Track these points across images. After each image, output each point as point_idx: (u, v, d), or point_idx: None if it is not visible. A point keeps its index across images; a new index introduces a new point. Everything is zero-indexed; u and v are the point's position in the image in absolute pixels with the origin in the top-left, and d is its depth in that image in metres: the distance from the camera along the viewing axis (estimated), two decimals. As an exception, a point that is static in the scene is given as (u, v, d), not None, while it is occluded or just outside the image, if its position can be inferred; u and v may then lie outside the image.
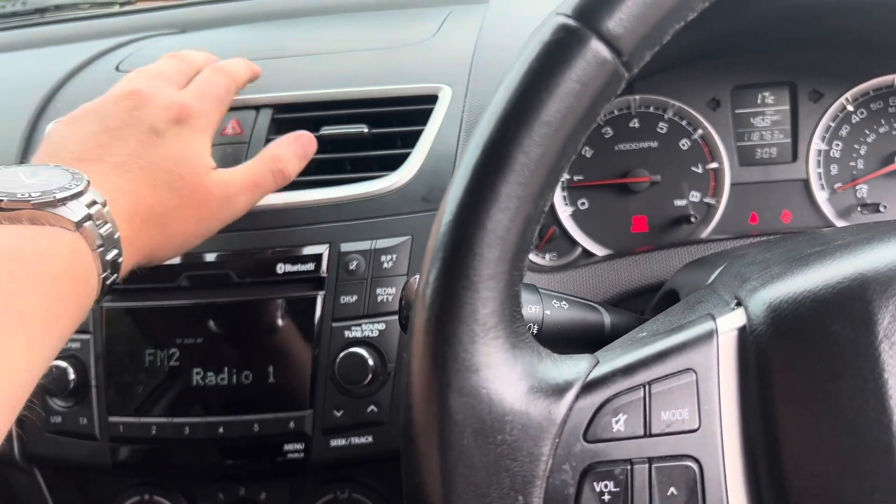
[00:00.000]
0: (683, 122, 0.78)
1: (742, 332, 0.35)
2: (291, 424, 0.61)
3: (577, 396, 0.34)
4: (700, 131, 0.77)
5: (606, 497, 0.33)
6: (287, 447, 0.61)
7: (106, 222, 0.45)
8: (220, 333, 0.62)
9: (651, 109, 0.78)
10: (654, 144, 0.78)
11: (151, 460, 0.63)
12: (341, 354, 0.60)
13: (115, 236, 0.46)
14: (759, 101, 0.78)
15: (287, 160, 0.60)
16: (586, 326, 0.50)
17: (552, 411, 0.34)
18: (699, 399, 0.34)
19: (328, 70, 0.74)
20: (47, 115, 0.75)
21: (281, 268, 0.63)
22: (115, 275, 0.47)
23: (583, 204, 0.78)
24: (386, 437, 0.60)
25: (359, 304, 0.61)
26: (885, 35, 0.72)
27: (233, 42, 0.92)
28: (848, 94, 0.77)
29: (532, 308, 0.47)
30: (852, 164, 0.77)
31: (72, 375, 0.62)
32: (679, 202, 0.78)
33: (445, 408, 0.33)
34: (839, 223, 0.77)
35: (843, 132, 0.77)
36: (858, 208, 0.77)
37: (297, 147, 0.62)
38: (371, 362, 0.59)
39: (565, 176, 0.78)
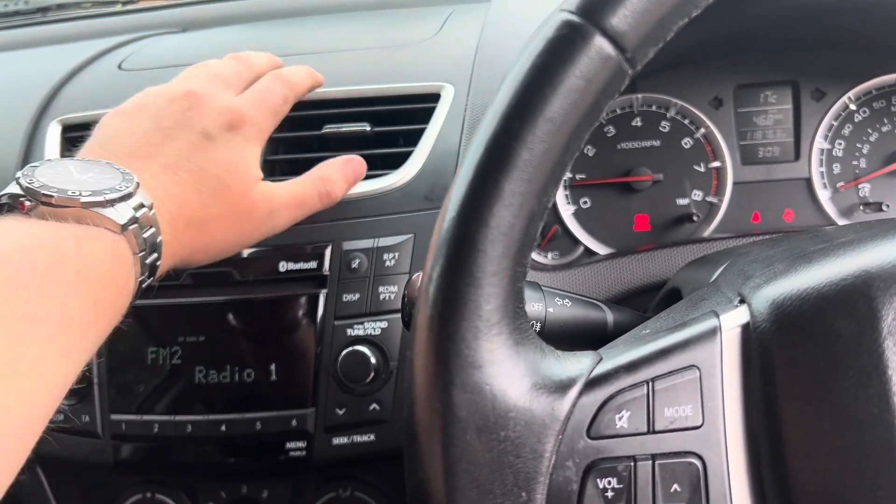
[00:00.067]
0: (686, 121, 0.78)
1: (745, 329, 0.35)
2: (293, 422, 0.61)
3: (581, 393, 0.34)
4: (702, 130, 0.77)
5: (610, 494, 0.33)
6: (289, 445, 0.61)
7: (151, 226, 0.45)
8: (223, 331, 0.62)
9: (653, 108, 0.78)
10: (657, 143, 0.78)
11: (153, 458, 0.63)
12: (343, 352, 0.60)
13: (158, 240, 0.46)
14: (761, 100, 0.78)
15: (336, 182, 0.59)
16: (589, 324, 0.50)
17: (555, 408, 0.34)
18: (702, 396, 0.34)
19: (330, 69, 0.74)
20: (49, 113, 0.75)
21: (283, 266, 0.63)
22: (151, 277, 0.47)
23: (585, 203, 0.78)
24: (388, 435, 0.60)
25: (361, 303, 0.61)
26: (887, 34, 0.72)
27: (235, 41, 0.92)
28: (850, 93, 0.76)
29: (535, 305, 0.47)
30: (855, 163, 0.77)
31: (74, 373, 0.62)
32: (681, 201, 0.78)
33: (449, 404, 0.33)
34: (842, 222, 0.77)
35: (846, 131, 0.77)
36: (861, 207, 0.77)
37: (347, 170, 0.61)
38: (373, 360, 0.59)
39: (567, 175, 0.78)
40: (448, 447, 0.33)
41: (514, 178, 0.33)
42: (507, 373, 0.33)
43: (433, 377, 0.33)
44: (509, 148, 0.33)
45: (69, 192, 0.41)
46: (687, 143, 0.78)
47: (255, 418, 0.61)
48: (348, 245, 0.63)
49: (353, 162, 0.62)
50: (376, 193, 0.64)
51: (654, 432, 0.34)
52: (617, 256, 0.70)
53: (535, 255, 0.76)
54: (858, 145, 0.77)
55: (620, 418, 0.34)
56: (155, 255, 0.46)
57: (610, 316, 0.51)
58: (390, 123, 0.68)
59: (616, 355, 0.36)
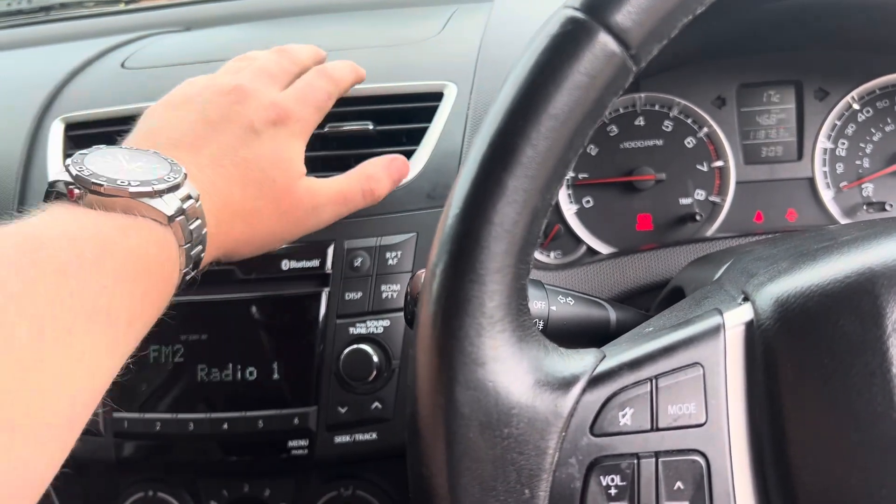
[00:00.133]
0: (689, 121, 0.78)
1: (749, 326, 0.35)
2: (296, 421, 0.61)
3: (584, 390, 0.34)
4: (705, 129, 0.77)
5: (613, 491, 0.33)
6: (291, 444, 0.61)
7: (197, 218, 0.45)
8: (225, 330, 0.62)
9: (656, 107, 0.78)
10: (660, 142, 0.78)
11: (156, 456, 0.63)
12: (346, 351, 0.60)
13: (203, 232, 0.46)
14: (764, 100, 0.78)
15: (380, 180, 0.60)
16: (592, 322, 0.49)
17: (559, 405, 0.34)
18: (706, 393, 0.34)
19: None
20: (52, 112, 0.75)
21: (286, 264, 0.63)
22: (196, 270, 0.47)
23: (588, 202, 0.78)
24: (390, 433, 0.60)
25: (363, 301, 0.61)
26: (890, 34, 0.72)
27: (238, 40, 0.92)
28: (854, 93, 0.76)
29: (538, 304, 0.47)
30: (858, 162, 0.77)
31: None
32: (684, 200, 0.78)
33: (452, 401, 0.33)
34: (845, 222, 0.77)
35: (849, 131, 0.77)
36: (864, 207, 0.77)
37: (392, 169, 0.61)
38: (375, 359, 0.59)
39: (570, 174, 0.78)
40: (451, 444, 0.33)
41: (517, 175, 0.33)
42: (511, 370, 0.33)
43: (436, 374, 0.33)
44: (513, 144, 0.33)
45: (118, 182, 0.41)
46: (690, 142, 0.78)
47: (257, 416, 0.61)
48: (351, 243, 0.63)
49: (397, 161, 0.62)
50: (379, 192, 0.64)
51: (658, 430, 0.34)
52: (619, 256, 0.69)
53: (537, 254, 0.76)
54: (862, 145, 0.77)
55: (624, 415, 0.34)
56: (200, 247, 0.46)
57: (613, 314, 0.51)
58: (393, 122, 0.68)
59: (619, 353, 0.36)
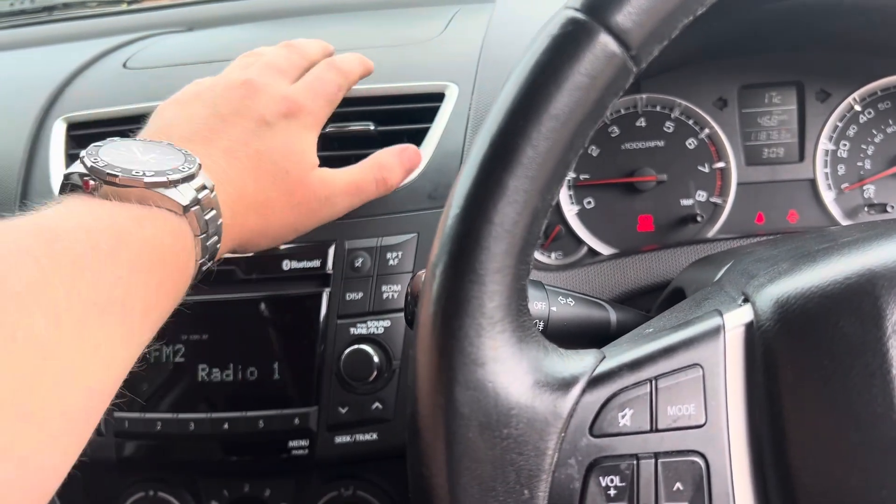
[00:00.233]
0: (690, 122, 0.78)
1: (749, 327, 0.35)
2: (296, 421, 0.61)
3: (584, 391, 0.34)
4: (707, 131, 0.77)
5: (612, 492, 0.33)
6: (292, 444, 0.61)
7: (212, 208, 0.45)
8: (226, 329, 0.62)
9: (658, 108, 0.78)
10: (661, 144, 0.78)
11: (156, 456, 0.63)
12: (346, 351, 0.60)
13: (218, 222, 0.46)
14: (766, 101, 0.78)
15: (392, 169, 0.60)
16: (592, 323, 0.49)
17: (558, 405, 0.34)
18: (706, 394, 0.34)
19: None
20: (54, 111, 0.75)
21: (287, 264, 0.63)
22: (212, 261, 0.47)
23: (589, 203, 0.78)
24: (391, 434, 0.60)
25: (364, 301, 0.61)
26: (892, 35, 0.72)
27: (240, 40, 0.92)
28: (855, 94, 0.76)
29: (538, 304, 0.47)
30: (859, 164, 0.77)
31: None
32: (685, 201, 0.78)
33: (452, 401, 0.33)
34: (846, 223, 0.76)
35: (851, 132, 0.77)
36: (865, 208, 0.77)
37: (404, 158, 0.62)
38: (376, 359, 0.59)
39: (571, 174, 0.78)
40: (451, 444, 0.33)
41: (518, 175, 0.33)
42: (510, 370, 0.33)
43: (436, 374, 0.33)
44: (513, 145, 0.33)
45: (133, 172, 0.41)
46: (691, 143, 0.78)
47: (257, 416, 0.61)
48: (352, 244, 0.63)
49: (409, 150, 0.63)
50: (380, 192, 0.64)
51: (657, 431, 0.34)
52: (620, 257, 0.69)
53: (538, 255, 0.76)
54: (863, 146, 0.77)
55: (623, 416, 0.34)
56: (215, 237, 0.46)
57: (613, 315, 0.51)
58: (395, 122, 0.68)
59: (619, 353, 0.36)
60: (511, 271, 0.33)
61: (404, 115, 0.68)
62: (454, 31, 0.82)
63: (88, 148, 0.43)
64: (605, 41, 0.33)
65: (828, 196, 0.77)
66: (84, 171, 0.41)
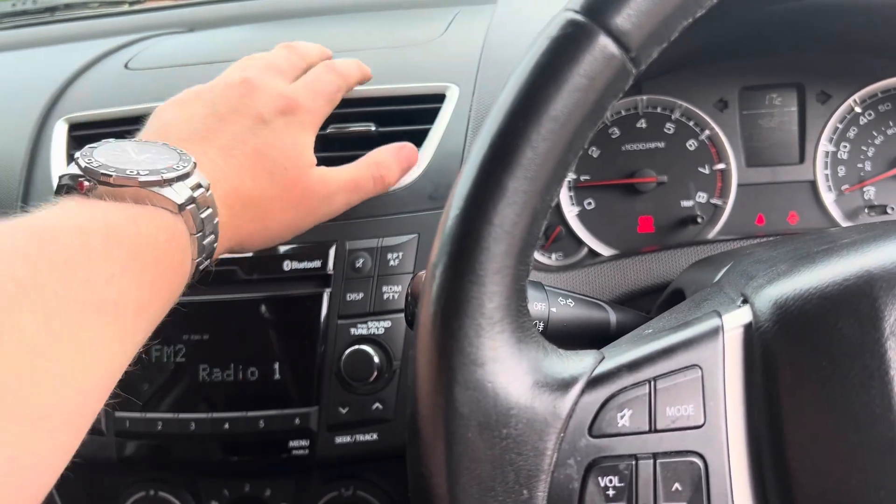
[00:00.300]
0: (691, 123, 0.78)
1: (748, 328, 0.35)
2: (297, 421, 0.61)
3: (583, 391, 0.34)
4: (707, 132, 0.77)
5: (611, 492, 0.33)
6: (292, 444, 0.62)
7: (208, 207, 0.45)
8: (226, 330, 0.63)
9: (658, 110, 0.78)
10: (661, 145, 0.78)
11: (157, 456, 0.64)
12: (347, 351, 0.60)
13: (215, 221, 0.46)
14: (766, 103, 0.78)
15: (390, 167, 0.60)
16: (592, 324, 0.50)
17: (557, 406, 0.34)
18: (704, 395, 0.34)
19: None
20: (56, 112, 0.75)
21: (287, 265, 0.63)
22: (209, 260, 0.47)
23: (589, 204, 0.78)
24: (391, 434, 0.61)
25: (365, 302, 0.62)
26: (891, 37, 0.72)
27: (241, 41, 0.93)
28: (856, 96, 0.76)
29: (538, 305, 0.47)
30: (860, 165, 0.77)
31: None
32: (686, 203, 0.78)
33: (451, 401, 0.33)
34: (846, 225, 0.77)
35: (851, 134, 0.77)
36: (866, 210, 0.77)
37: (401, 156, 0.62)
38: (376, 359, 0.60)
39: (571, 176, 0.78)
40: (450, 444, 0.33)
41: (517, 177, 0.33)
42: (510, 370, 0.33)
43: (436, 374, 0.33)
44: (513, 146, 0.33)
45: (127, 172, 0.42)
46: (692, 144, 0.78)
47: (258, 417, 0.61)
48: (352, 244, 0.63)
49: (406, 148, 0.63)
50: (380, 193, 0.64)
51: (656, 431, 0.34)
52: (621, 258, 0.69)
53: (538, 256, 0.76)
54: (864, 148, 0.77)
55: (622, 417, 0.34)
56: (212, 236, 0.46)
57: (613, 316, 0.51)
58: (395, 124, 0.68)
59: (618, 354, 0.36)
60: (511, 272, 0.34)
61: (405, 116, 0.69)
62: (455, 33, 0.82)
63: (83, 149, 0.43)
64: (605, 43, 0.33)
65: (828, 198, 0.77)
66: (78, 172, 0.41)
